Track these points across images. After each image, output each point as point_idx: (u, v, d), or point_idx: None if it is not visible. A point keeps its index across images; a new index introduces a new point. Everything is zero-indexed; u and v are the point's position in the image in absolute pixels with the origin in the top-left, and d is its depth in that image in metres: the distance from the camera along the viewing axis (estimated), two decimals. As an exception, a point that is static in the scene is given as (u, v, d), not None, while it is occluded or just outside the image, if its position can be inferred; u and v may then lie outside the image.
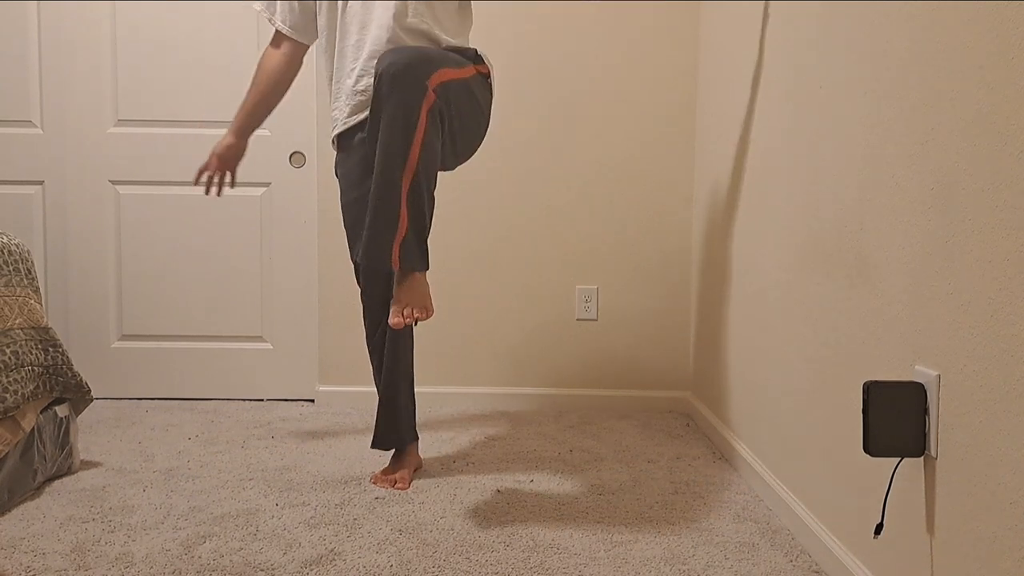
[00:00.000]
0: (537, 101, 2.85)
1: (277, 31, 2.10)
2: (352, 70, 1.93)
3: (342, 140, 2.02)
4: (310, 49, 2.16)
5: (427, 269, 1.75)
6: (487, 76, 1.94)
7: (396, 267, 1.71)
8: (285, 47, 2.10)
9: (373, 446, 2.09)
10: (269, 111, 2.17)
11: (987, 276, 1.04)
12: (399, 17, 1.88)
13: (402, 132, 1.68)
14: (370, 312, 2.05)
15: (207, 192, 2.16)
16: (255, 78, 2.13)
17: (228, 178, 2.19)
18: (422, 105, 1.69)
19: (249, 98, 2.13)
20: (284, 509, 1.84)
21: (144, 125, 2.90)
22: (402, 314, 1.71)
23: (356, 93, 1.94)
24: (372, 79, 1.85)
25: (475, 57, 1.91)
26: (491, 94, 1.97)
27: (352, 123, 1.96)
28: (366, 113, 1.90)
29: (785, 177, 1.84)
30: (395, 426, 2.07)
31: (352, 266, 2.11)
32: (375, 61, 1.86)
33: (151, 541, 1.65)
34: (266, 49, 2.13)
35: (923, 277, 1.20)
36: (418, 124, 1.69)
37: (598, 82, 2.86)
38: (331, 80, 2.02)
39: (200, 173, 2.15)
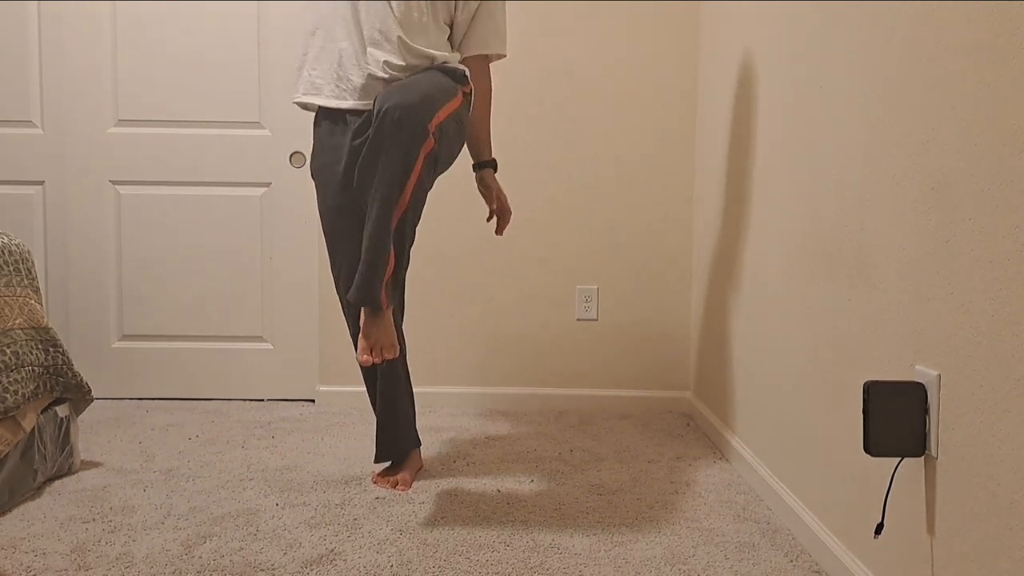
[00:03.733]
0: (537, 101, 2.85)
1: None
2: (347, 56, 1.89)
3: (324, 120, 1.96)
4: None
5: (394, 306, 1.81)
6: (469, 94, 1.92)
7: (384, 306, 1.74)
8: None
9: (376, 460, 2.07)
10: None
11: (987, 276, 1.04)
12: (403, 24, 1.86)
13: (400, 176, 1.70)
14: (355, 324, 2.02)
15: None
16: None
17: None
18: (420, 151, 1.72)
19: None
20: (284, 509, 1.84)
21: (144, 125, 2.90)
22: (370, 352, 1.75)
23: (346, 79, 1.90)
24: (362, 72, 1.87)
25: (462, 78, 1.88)
26: (470, 109, 1.96)
27: (340, 106, 1.91)
28: (351, 102, 1.89)
29: (785, 177, 1.84)
30: (395, 438, 2.07)
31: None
32: (375, 67, 1.86)
33: (151, 541, 1.65)
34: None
35: (923, 277, 1.20)
36: (414, 169, 1.72)
37: (598, 82, 2.86)
38: (314, 44, 1.94)
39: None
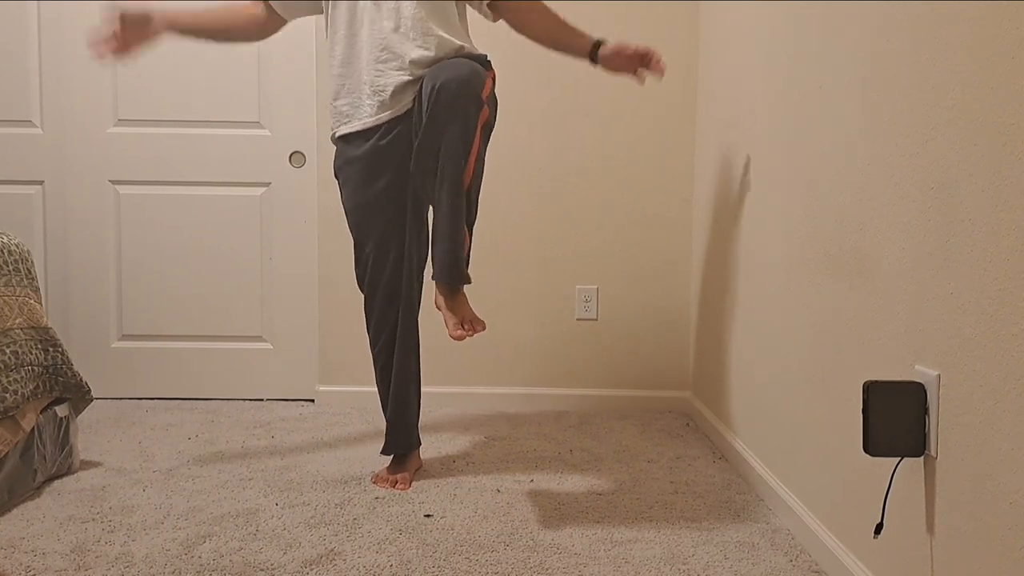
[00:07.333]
0: (537, 101, 2.85)
1: None
2: (366, 67, 1.91)
3: (353, 137, 1.97)
4: (315, 49, 2.12)
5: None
6: (494, 80, 1.94)
7: (468, 282, 1.81)
8: (263, 11, 2.04)
9: (384, 451, 2.08)
10: (205, 39, 2.07)
11: (987, 276, 1.04)
12: (422, 22, 1.87)
13: (464, 148, 1.75)
14: (375, 319, 2.04)
15: (95, 52, 1.94)
16: (220, 11, 2.02)
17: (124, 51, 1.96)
18: (479, 121, 1.77)
19: (201, 17, 2.01)
20: (284, 509, 1.84)
21: (144, 125, 2.90)
22: (463, 327, 1.80)
23: (375, 92, 1.91)
24: (388, 79, 1.88)
25: (487, 63, 1.92)
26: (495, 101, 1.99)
27: (370, 124, 1.92)
28: (386, 115, 1.91)
29: (785, 177, 1.84)
30: (406, 430, 2.07)
31: (351, 266, 2.08)
32: (396, 64, 1.88)
33: (151, 541, 1.65)
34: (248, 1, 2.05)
35: (923, 277, 1.20)
36: (475, 139, 1.77)
37: (598, 81, 2.85)
38: (339, 74, 1.97)
39: (106, 35, 1.92)
